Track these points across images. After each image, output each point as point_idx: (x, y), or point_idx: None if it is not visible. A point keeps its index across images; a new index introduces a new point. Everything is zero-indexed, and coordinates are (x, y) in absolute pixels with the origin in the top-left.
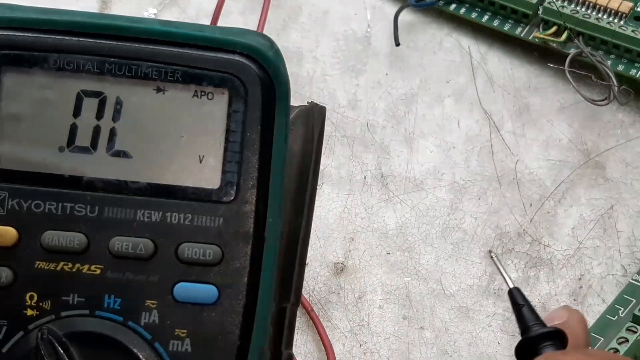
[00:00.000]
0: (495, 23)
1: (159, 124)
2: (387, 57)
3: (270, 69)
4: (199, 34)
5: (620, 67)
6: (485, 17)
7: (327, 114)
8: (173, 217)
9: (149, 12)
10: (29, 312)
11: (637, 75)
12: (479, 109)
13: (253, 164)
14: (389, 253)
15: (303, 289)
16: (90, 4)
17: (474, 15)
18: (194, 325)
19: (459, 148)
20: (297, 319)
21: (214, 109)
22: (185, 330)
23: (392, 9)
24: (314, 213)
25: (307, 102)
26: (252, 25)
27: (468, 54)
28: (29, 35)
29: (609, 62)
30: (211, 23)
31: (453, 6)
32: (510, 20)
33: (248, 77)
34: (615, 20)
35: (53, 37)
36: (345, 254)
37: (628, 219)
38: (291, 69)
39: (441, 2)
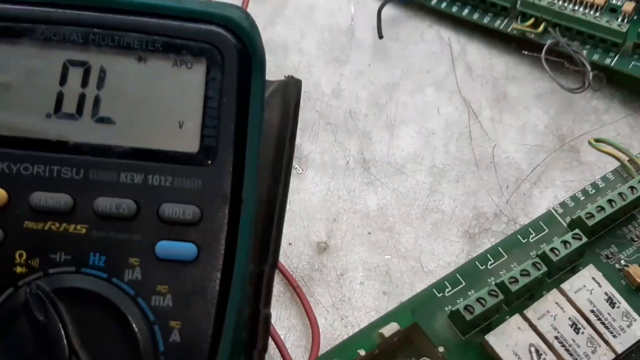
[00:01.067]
0: (475, 16)
1: (141, 91)
2: (370, 49)
3: (245, 39)
4: (179, 6)
5: (596, 57)
6: (466, 11)
7: (312, 102)
8: (154, 179)
9: None
10: (19, 269)
11: (612, 65)
12: (459, 97)
13: (230, 129)
14: (370, 233)
15: (287, 267)
16: None
17: (454, 9)
18: (174, 281)
19: (438, 134)
20: (282, 294)
21: (192, 77)
22: (166, 286)
23: (374, 3)
24: (299, 196)
25: (285, 76)
26: None
27: (448, 45)
28: (17, 7)
29: (585, 52)
30: None
31: (434, 0)
32: (489, 14)
33: (225, 46)
34: (591, 12)
35: (40, 9)
36: (328, 233)
37: None
38: (277, 60)
39: None
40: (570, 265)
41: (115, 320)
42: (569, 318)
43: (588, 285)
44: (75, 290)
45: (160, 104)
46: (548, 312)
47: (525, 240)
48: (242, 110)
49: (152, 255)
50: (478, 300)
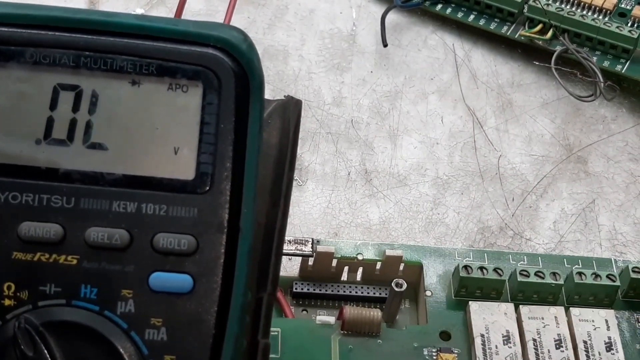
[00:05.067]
0: (481, 22)
1: (135, 116)
2: (372, 55)
3: (243, 62)
4: (173, 28)
5: (606, 63)
6: (471, 17)
7: (312, 111)
8: (148, 208)
9: (137, 12)
10: (7, 302)
11: (623, 71)
12: (463, 106)
13: (227, 155)
14: None
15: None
16: (77, 4)
17: (459, 15)
18: (169, 314)
19: (442, 144)
20: None
21: (188, 102)
22: (161, 319)
23: (377, 8)
24: (299, 208)
25: (284, 96)
26: (237, 24)
27: (452, 52)
28: (5, 30)
29: (595, 58)
30: (175, 15)
31: (439, 6)
32: (496, 19)
33: (222, 70)
34: (600, 17)
35: (29, 31)
36: None
37: (609, 212)
38: (277, 67)
39: (427, 2)
40: (592, 301)
41: (107, 355)
42: (558, 334)
43: (597, 323)
44: (66, 324)
45: (154, 129)
46: (542, 318)
47: (569, 266)
48: (239, 135)
49: (145, 287)
50: (481, 267)
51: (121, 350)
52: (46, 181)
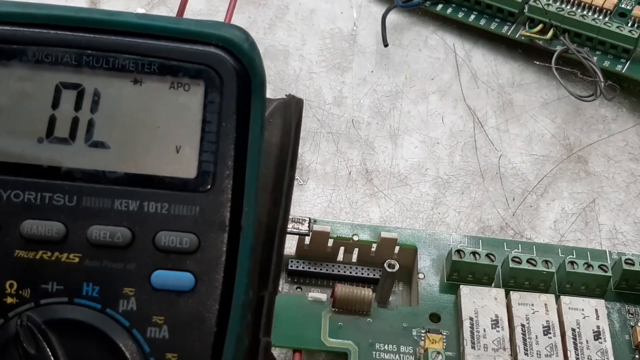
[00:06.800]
0: (482, 22)
1: (137, 115)
2: (372, 55)
3: (245, 61)
4: (175, 27)
5: (607, 63)
6: (472, 17)
7: (313, 111)
8: (150, 206)
9: (138, 12)
10: (9, 300)
11: (623, 71)
12: (463, 105)
13: (229, 153)
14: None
15: None
16: (79, 3)
17: (460, 15)
18: (171, 312)
19: (443, 144)
20: None
21: (190, 100)
22: (162, 317)
23: (377, 8)
24: (300, 207)
25: (285, 95)
26: (238, 24)
27: (453, 52)
28: (8, 28)
29: (595, 58)
30: (177, 15)
31: (440, 6)
32: (496, 19)
33: (223, 68)
34: (600, 17)
35: (31, 30)
36: None
37: (609, 212)
38: (278, 66)
39: (428, 2)
40: (583, 290)
41: (109, 353)
42: (547, 321)
43: (587, 311)
44: (68, 322)
45: (156, 128)
46: (532, 305)
47: (563, 255)
48: (241, 133)
49: (147, 285)
50: (473, 252)
51: (123, 348)
52: (48, 179)
